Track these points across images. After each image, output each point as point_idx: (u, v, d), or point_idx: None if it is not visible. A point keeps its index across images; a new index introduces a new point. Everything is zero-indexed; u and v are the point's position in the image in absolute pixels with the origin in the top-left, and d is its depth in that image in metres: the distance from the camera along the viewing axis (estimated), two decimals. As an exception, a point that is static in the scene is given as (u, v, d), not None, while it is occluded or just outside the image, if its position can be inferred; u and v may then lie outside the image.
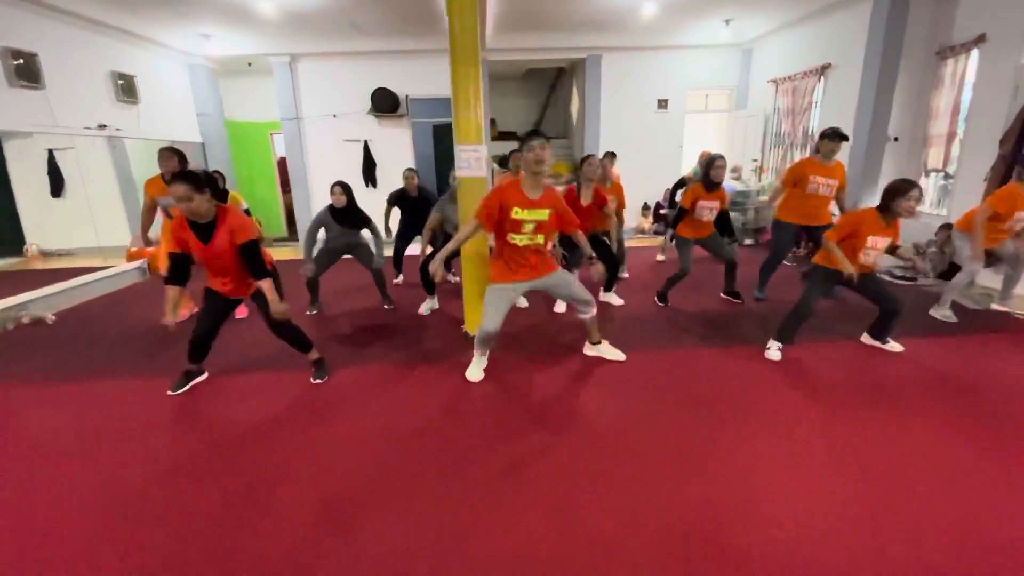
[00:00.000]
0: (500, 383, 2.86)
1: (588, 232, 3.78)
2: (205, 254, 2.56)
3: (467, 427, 2.40)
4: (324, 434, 2.38)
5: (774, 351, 3.08)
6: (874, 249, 2.87)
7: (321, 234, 4.00)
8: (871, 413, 2.43)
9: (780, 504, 1.82)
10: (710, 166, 3.82)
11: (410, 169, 4.88)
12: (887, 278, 4.82)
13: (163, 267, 2.94)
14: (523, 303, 4.89)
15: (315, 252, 4.04)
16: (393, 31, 6.48)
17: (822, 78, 6.03)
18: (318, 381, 2.92)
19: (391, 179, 7.13)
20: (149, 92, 6.17)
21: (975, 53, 4.63)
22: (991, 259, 3.70)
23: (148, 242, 3.93)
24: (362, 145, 7.48)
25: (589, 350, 3.22)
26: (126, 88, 5.71)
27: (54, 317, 4.25)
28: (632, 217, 8.00)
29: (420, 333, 3.71)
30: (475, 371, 2.94)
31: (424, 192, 4.93)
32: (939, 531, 1.68)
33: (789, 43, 6.71)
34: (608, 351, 3.17)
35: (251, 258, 2.56)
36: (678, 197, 5.37)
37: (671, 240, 4.54)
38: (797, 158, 6.20)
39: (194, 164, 6.61)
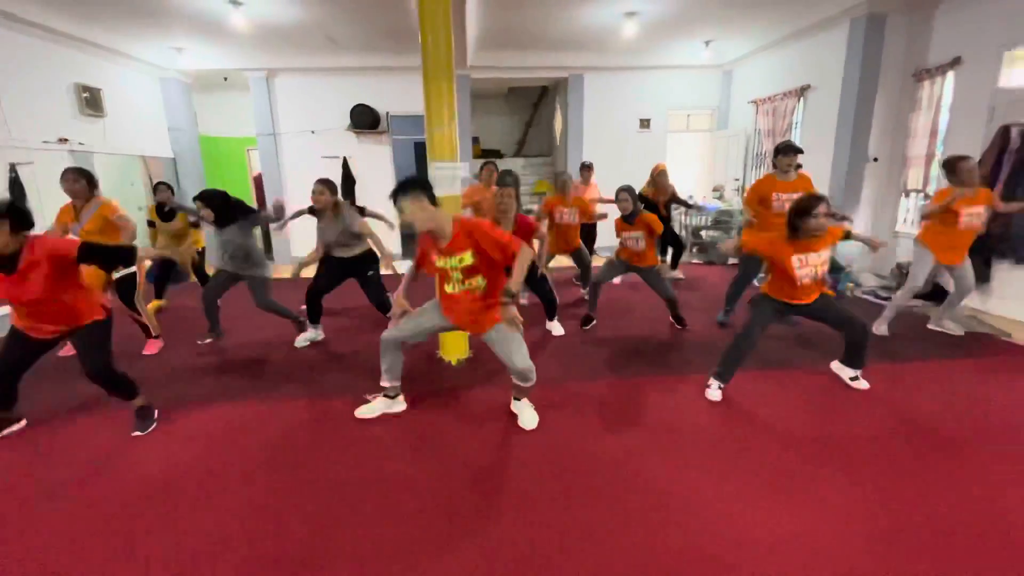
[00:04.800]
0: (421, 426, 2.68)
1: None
2: (6, 285, 2.22)
3: (436, 470, 2.22)
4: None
5: (714, 390, 2.78)
6: (807, 267, 2.55)
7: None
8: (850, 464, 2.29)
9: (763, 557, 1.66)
10: (615, 198, 3.54)
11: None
12: (871, 298, 4.75)
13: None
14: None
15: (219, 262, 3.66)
16: (371, 46, 6.39)
17: (801, 99, 6.06)
18: (138, 433, 2.51)
19: (370, 197, 6.97)
20: (117, 105, 5.96)
21: (951, 75, 4.67)
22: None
23: None
24: (341, 162, 7.33)
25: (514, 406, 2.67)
26: (91, 101, 5.49)
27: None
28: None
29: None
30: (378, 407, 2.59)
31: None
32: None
33: (768, 65, 6.77)
34: (525, 413, 2.58)
35: (95, 254, 2.29)
36: None
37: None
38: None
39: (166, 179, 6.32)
